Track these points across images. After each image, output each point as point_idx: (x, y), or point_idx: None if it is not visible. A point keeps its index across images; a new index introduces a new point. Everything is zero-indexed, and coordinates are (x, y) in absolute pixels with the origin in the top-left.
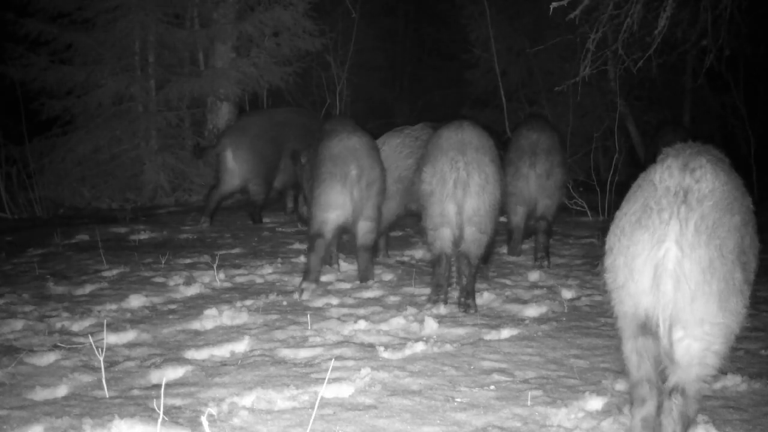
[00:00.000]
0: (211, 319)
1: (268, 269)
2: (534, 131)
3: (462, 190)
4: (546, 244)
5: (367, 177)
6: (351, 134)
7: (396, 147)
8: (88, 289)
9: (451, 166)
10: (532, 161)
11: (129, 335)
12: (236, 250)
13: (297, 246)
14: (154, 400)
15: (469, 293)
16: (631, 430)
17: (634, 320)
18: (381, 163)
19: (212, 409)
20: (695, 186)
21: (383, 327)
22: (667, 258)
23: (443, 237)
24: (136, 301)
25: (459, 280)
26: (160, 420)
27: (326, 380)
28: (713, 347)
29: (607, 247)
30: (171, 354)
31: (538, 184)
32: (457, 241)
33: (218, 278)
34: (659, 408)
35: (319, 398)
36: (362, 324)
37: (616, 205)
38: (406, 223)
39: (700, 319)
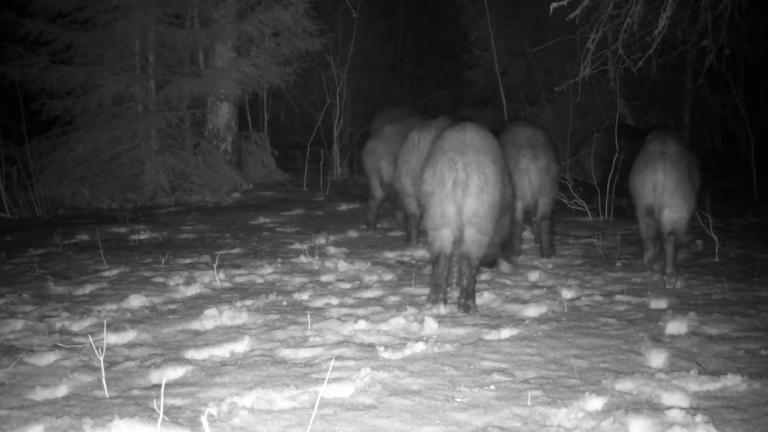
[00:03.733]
0: (211, 319)
1: (268, 269)
2: (528, 127)
3: (461, 191)
4: (551, 241)
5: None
6: None
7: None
8: (88, 289)
9: (450, 166)
10: (534, 155)
11: (129, 335)
12: (236, 250)
13: (297, 246)
14: (154, 400)
15: (469, 294)
16: (643, 264)
17: (644, 208)
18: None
19: (212, 409)
20: (667, 150)
21: (383, 327)
22: (658, 179)
23: (443, 237)
24: (136, 301)
25: (459, 280)
26: (160, 420)
27: (326, 380)
28: (684, 216)
29: (630, 177)
30: (171, 354)
31: (539, 178)
32: (458, 241)
33: (218, 278)
34: (660, 246)
35: (319, 398)
36: (362, 324)
37: (616, 205)
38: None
39: (678, 205)
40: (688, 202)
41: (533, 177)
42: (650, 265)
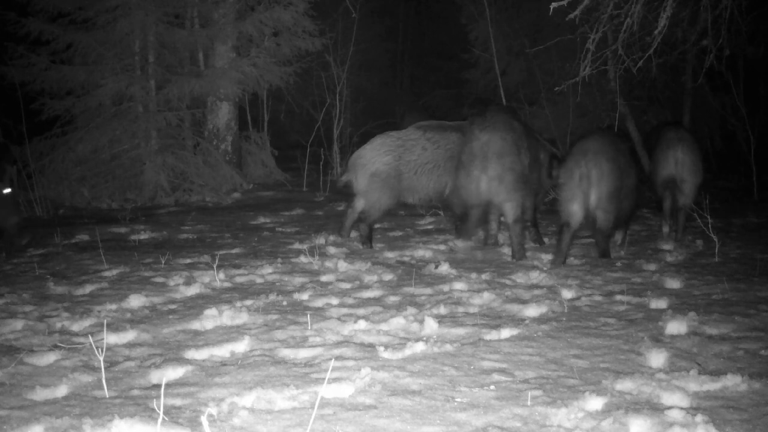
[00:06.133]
0: (211, 319)
1: (268, 269)
2: (486, 132)
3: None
4: (521, 243)
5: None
6: None
7: (376, 146)
8: (88, 289)
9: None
10: (484, 165)
11: (129, 335)
12: (236, 250)
13: (297, 246)
14: (154, 400)
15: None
16: (664, 213)
17: (664, 180)
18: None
19: (212, 409)
20: (682, 136)
21: (383, 327)
22: (677, 157)
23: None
24: (136, 301)
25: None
26: (160, 420)
27: (326, 380)
28: (694, 188)
29: (653, 156)
30: (171, 354)
31: (489, 186)
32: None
33: (218, 278)
34: (673, 210)
35: (319, 398)
36: (362, 324)
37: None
38: (406, 223)
39: (691, 181)
40: (700, 178)
41: (483, 185)
42: (667, 213)
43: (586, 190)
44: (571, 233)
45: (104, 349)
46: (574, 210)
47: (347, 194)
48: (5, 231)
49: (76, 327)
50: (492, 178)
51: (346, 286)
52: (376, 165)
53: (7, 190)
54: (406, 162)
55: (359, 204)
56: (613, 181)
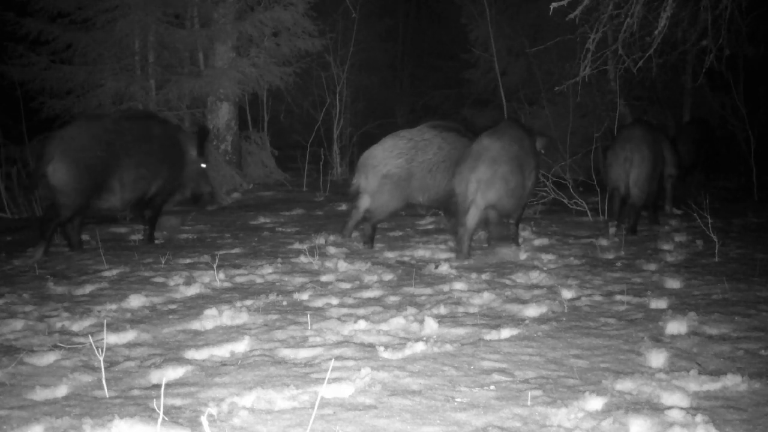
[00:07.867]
0: (211, 319)
1: (268, 269)
2: (487, 137)
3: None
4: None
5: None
6: None
7: (388, 147)
8: (88, 289)
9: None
10: (472, 166)
11: (129, 335)
12: (236, 250)
13: (297, 246)
14: (154, 400)
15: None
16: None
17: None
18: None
19: (212, 409)
20: (661, 137)
21: (383, 327)
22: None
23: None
24: (136, 301)
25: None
26: (160, 420)
27: (326, 380)
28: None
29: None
30: (171, 354)
31: (477, 189)
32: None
33: (218, 278)
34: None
35: (319, 398)
36: (362, 324)
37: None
38: (406, 223)
39: (673, 169)
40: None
41: (472, 186)
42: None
43: (628, 171)
44: (620, 198)
45: (104, 349)
46: (619, 186)
47: (345, 194)
48: (200, 198)
49: (76, 327)
50: (480, 180)
51: (346, 286)
52: (388, 167)
53: (204, 165)
54: (419, 162)
55: (364, 203)
56: (651, 166)
